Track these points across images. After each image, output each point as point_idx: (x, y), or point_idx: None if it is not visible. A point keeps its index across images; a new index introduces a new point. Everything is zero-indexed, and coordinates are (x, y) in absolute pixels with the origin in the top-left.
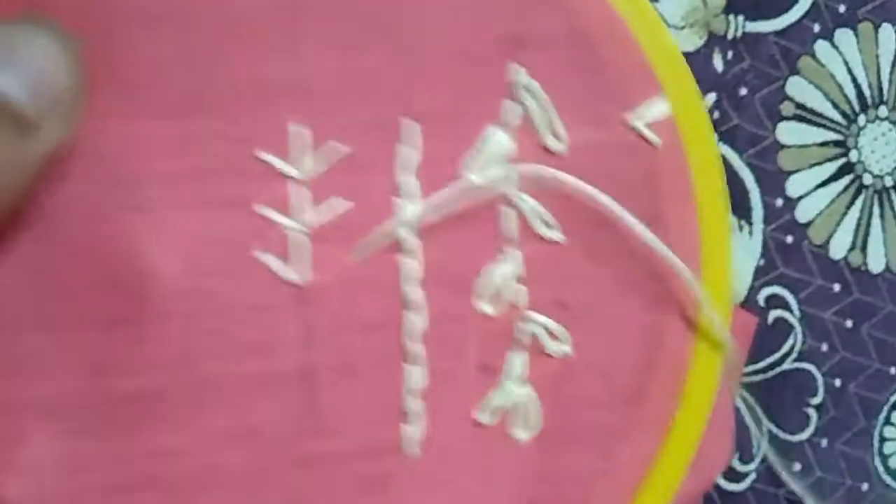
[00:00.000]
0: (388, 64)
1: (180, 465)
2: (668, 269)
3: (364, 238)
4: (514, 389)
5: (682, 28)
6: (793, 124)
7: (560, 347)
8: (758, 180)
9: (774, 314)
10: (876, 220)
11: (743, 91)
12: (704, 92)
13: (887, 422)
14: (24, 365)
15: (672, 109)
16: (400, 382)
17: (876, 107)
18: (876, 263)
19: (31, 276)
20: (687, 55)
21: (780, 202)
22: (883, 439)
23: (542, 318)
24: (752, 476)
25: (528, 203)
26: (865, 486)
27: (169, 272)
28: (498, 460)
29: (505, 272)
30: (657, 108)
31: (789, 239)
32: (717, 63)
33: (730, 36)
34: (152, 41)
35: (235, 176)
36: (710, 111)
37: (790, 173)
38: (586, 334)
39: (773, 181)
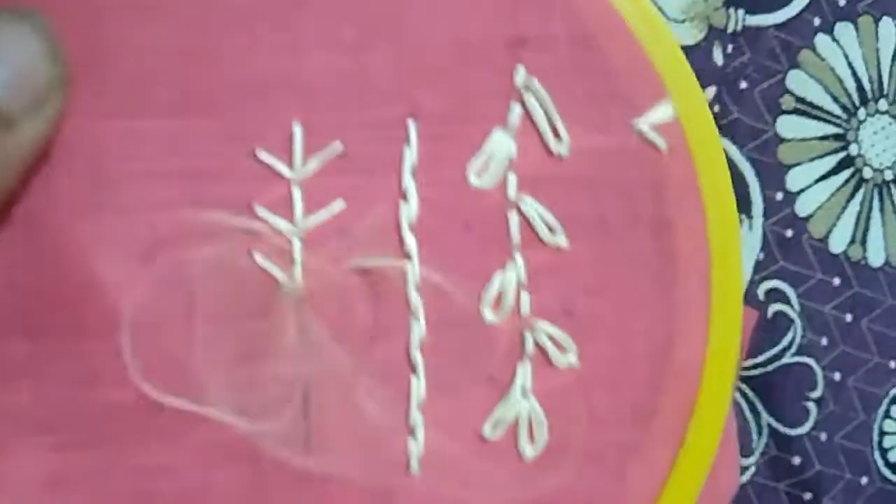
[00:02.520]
0: (391, 64)
1: (172, 481)
2: (676, 278)
3: (363, 242)
4: (520, 402)
5: (682, 21)
6: (793, 118)
7: (566, 358)
8: (758, 174)
9: (774, 308)
10: (876, 214)
11: (743, 84)
12: (704, 85)
13: (887, 416)
14: (6, 374)
15: (677, 113)
16: (403, 394)
17: (876, 100)
18: (876, 257)
19: (12, 280)
20: (687, 49)
21: (779, 196)
22: (882, 433)
23: (547, 327)
24: (752, 469)
25: (532, 207)
26: (865, 480)
27: (159, 276)
28: (503, 478)
29: (509, 279)
30: (662, 112)
31: (789, 233)
32: (718, 56)
33: (730, 29)
34: (146, 36)
35: (234, 177)
36: (710, 105)
37: (790, 167)
38: (593, 345)
39: (773, 175)
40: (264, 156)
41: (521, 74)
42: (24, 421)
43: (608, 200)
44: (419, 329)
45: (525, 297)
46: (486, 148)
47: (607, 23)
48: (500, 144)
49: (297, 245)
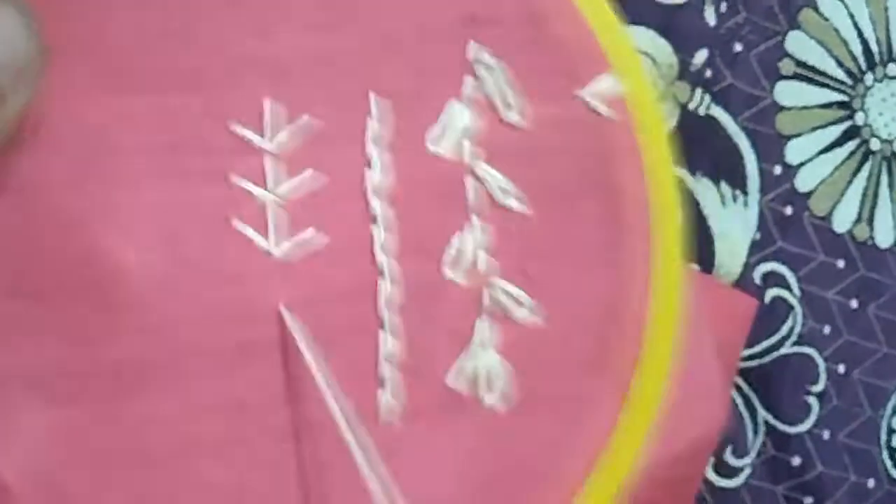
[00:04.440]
0: (356, 43)
1: (165, 433)
2: (623, 239)
3: (337, 209)
4: (483, 355)
5: None
6: (793, 84)
7: (525, 314)
8: (754, 146)
9: (772, 293)
10: (884, 190)
11: (738, 47)
12: (695, 48)
13: (895, 412)
14: (3, 333)
15: (620, 85)
16: (376, 351)
17: (884, 65)
18: (883, 237)
19: (5, 244)
20: (676, 7)
21: (778, 170)
22: (891, 431)
23: (507, 286)
24: (748, 471)
25: (491, 174)
26: (871, 483)
27: (147, 241)
28: (469, 426)
29: (473, 241)
30: (608, 84)
31: (788, 210)
32: (710, 16)
33: None
34: (130, 16)
35: (212, 149)
36: (702, 69)
37: (789, 138)
38: (550, 304)
39: (770, 146)
40: (243, 130)
41: (476, 49)
42: (24, 379)
43: (560, 167)
44: (392, 289)
45: (482, 257)
46: (443, 118)
47: (556, 2)
48: (456, 114)
49: (277, 213)
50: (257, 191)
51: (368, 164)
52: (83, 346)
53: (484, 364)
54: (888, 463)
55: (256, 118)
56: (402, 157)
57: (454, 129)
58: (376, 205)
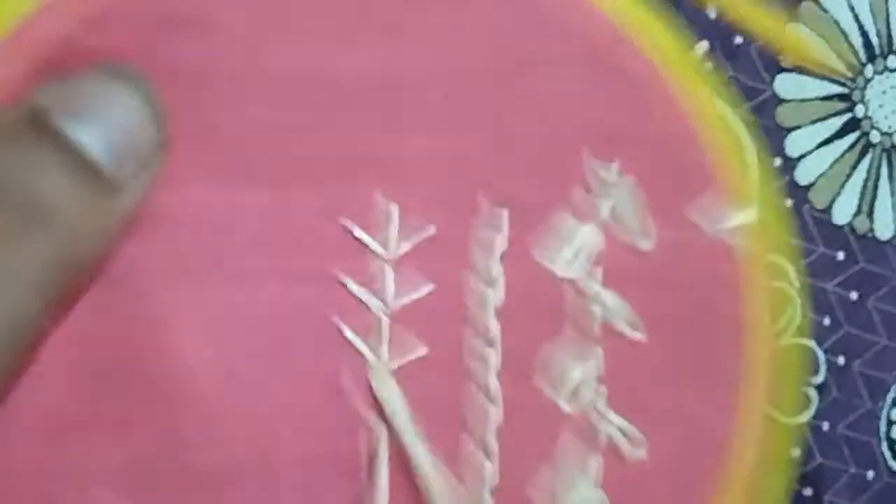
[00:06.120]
0: (479, 148)
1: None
2: (744, 377)
3: (445, 323)
4: (587, 493)
5: None
6: (793, 76)
7: (635, 451)
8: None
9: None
10: (884, 182)
11: (738, 39)
12: (696, 40)
13: (895, 404)
14: (88, 428)
15: (755, 217)
16: (479, 482)
17: (885, 57)
18: (884, 230)
19: (101, 334)
20: None
21: (778, 162)
22: (890, 423)
23: (619, 420)
24: None
25: (612, 301)
26: (871, 475)
27: (252, 344)
28: None
29: (586, 370)
30: (740, 215)
31: (788, 202)
32: (711, 8)
33: None
34: (253, 108)
35: (322, 250)
36: (702, 61)
37: (789, 130)
38: (663, 440)
39: (770, 139)
40: (358, 231)
41: (608, 168)
42: (109, 477)
43: (686, 296)
44: (495, 414)
45: (601, 389)
46: (575, 240)
47: (684, 123)
48: (585, 235)
49: (385, 323)
50: (366, 297)
51: (491, 283)
52: (174, 451)
53: (589, 501)
54: (887, 454)
55: (368, 219)
56: (520, 273)
57: (577, 249)
58: (495, 326)
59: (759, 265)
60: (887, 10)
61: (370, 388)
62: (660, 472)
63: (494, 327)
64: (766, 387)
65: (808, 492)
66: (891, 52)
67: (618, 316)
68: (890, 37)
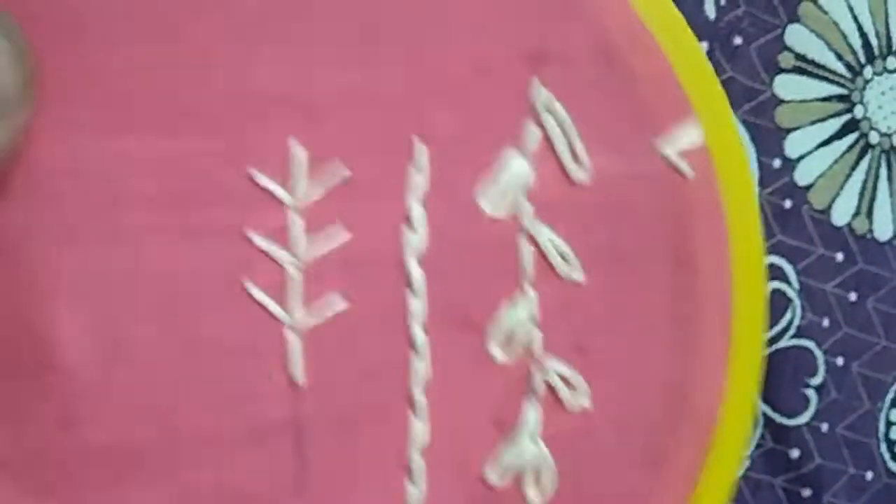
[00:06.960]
0: (400, 80)
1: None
2: (695, 316)
3: (365, 272)
4: (528, 447)
5: None
6: (792, 77)
7: (577, 399)
8: (753, 139)
9: (771, 286)
10: (883, 183)
11: (737, 40)
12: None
13: (894, 405)
14: None
15: (704, 136)
16: (404, 437)
17: (884, 58)
18: (882, 230)
19: None
20: (677, 1)
21: (777, 163)
22: (889, 423)
23: (558, 366)
24: (746, 463)
25: (547, 237)
26: (870, 475)
27: (145, 309)
28: None
29: (520, 314)
30: (690, 135)
31: (788, 203)
32: (709, 9)
33: None
34: (135, 48)
35: (226, 201)
36: None
37: (789, 131)
38: (606, 385)
39: (770, 140)
40: (262, 179)
41: (540, 93)
42: None
43: (627, 231)
44: (424, 367)
45: (537, 334)
46: (501, 173)
47: (631, 32)
48: (516, 169)
49: (296, 277)
50: (274, 250)
51: (410, 225)
52: (64, 429)
53: (528, 457)
54: (886, 455)
55: (277, 165)
56: (449, 216)
57: (509, 184)
58: (417, 273)
59: (710, 195)
60: (886, 11)
61: (285, 351)
62: (606, 422)
63: (419, 275)
64: (722, 325)
65: (807, 492)
66: (890, 53)
67: (552, 255)
68: (889, 38)
